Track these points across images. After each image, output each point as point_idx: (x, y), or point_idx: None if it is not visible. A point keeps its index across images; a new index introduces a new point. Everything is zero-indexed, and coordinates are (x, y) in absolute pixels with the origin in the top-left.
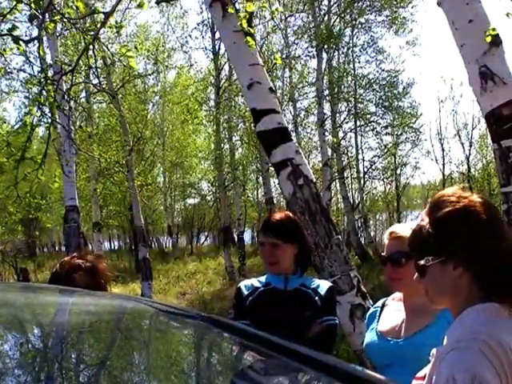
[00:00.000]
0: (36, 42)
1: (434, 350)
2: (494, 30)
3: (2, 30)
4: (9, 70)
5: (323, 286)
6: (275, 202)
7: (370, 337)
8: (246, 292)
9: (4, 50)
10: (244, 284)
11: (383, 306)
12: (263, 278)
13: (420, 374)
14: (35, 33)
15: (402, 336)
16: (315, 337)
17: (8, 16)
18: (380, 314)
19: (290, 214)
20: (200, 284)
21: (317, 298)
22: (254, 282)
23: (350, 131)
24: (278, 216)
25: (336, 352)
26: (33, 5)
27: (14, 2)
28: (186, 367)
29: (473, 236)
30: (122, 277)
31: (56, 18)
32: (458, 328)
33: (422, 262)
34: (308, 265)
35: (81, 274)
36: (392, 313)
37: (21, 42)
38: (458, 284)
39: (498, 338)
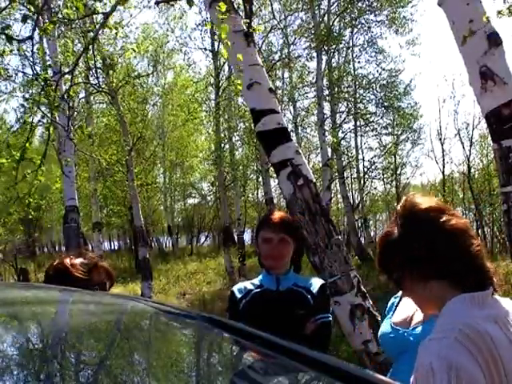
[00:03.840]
0: (29, 40)
1: (421, 343)
2: (487, 18)
3: None
4: (8, 74)
5: (315, 284)
6: (275, 202)
7: (383, 327)
8: (239, 295)
9: (3, 52)
10: (237, 287)
11: (402, 296)
12: (256, 281)
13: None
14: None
15: (410, 326)
16: (311, 334)
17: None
18: (397, 305)
19: (288, 215)
20: (200, 284)
21: (309, 296)
22: (247, 284)
23: (350, 131)
24: (281, 214)
25: (336, 352)
26: (27, 5)
27: (8, 2)
28: (186, 367)
29: (436, 247)
30: (122, 277)
31: (55, 19)
32: (441, 318)
33: (394, 276)
34: (299, 265)
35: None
36: (407, 304)
37: (14, 42)
38: (431, 291)
39: (476, 325)
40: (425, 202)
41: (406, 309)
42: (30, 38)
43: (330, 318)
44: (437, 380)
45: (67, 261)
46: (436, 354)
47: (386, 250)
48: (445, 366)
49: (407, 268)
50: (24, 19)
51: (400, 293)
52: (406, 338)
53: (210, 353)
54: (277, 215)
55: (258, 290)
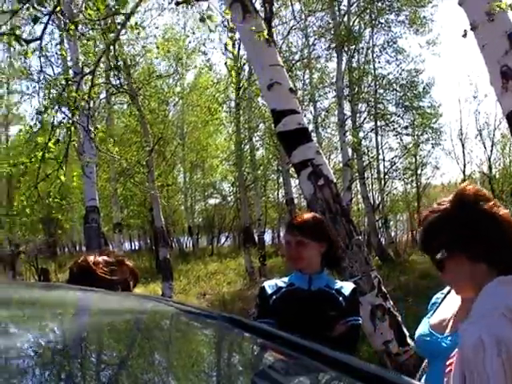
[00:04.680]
0: (40, 41)
1: (460, 327)
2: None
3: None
4: (29, 73)
5: (347, 287)
6: (295, 202)
7: (421, 327)
8: (269, 291)
9: (26, 53)
10: (268, 284)
11: (447, 293)
12: (287, 279)
13: (450, 356)
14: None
15: (446, 332)
16: (339, 336)
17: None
18: (440, 304)
19: (317, 215)
20: (220, 284)
21: (341, 298)
22: (278, 282)
23: (371, 131)
24: (304, 215)
25: (357, 353)
26: (37, 6)
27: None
28: (208, 368)
29: (489, 232)
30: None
31: (77, 19)
32: (480, 301)
33: (438, 256)
34: (335, 265)
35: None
36: (448, 305)
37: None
38: (475, 273)
39: None
40: (479, 190)
41: (444, 311)
42: (39, 39)
43: (360, 322)
44: (487, 354)
45: (91, 259)
46: (484, 330)
47: (433, 228)
48: (494, 341)
49: (453, 248)
50: (35, 20)
51: (446, 289)
52: (439, 343)
53: (232, 353)
54: (300, 218)
55: (289, 287)
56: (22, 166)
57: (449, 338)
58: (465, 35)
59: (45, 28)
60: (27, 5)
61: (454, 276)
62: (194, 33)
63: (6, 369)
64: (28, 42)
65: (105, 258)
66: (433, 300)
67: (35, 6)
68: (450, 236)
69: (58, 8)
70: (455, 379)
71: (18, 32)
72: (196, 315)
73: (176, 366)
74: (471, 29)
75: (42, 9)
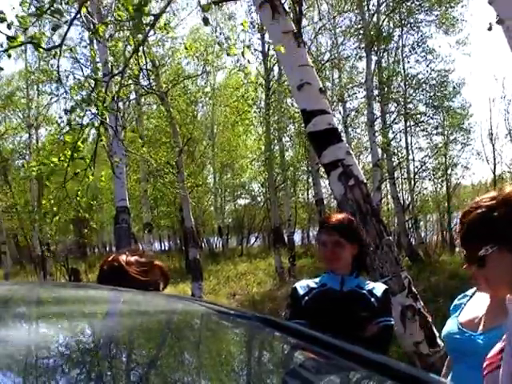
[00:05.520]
0: (58, 49)
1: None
2: None
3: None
4: (58, 77)
5: (379, 288)
6: (325, 202)
7: (449, 326)
8: (301, 292)
9: (56, 53)
10: (300, 284)
11: (473, 294)
12: (318, 279)
13: (491, 353)
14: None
15: (478, 330)
16: (372, 337)
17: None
18: (466, 303)
19: (349, 216)
20: (250, 285)
21: (373, 299)
22: (310, 282)
23: (400, 132)
24: (340, 216)
25: (387, 353)
26: (54, 16)
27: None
28: (242, 367)
29: None
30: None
31: (106, 21)
32: None
33: (481, 252)
34: (363, 267)
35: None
36: (477, 304)
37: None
38: None
39: None
40: None
41: (474, 310)
42: (59, 46)
43: (393, 322)
44: None
45: (123, 258)
46: None
47: (477, 224)
48: None
49: (498, 245)
50: (54, 29)
51: (470, 291)
52: (473, 340)
53: (266, 353)
54: (337, 218)
55: (322, 288)
56: (52, 164)
57: (483, 336)
58: (490, 28)
59: (64, 36)
60: (45, 14)
61: (495, 272)
62: (221, 33)
63: (39, 368)
64: (47, 50)
65: (137, 258)
66: (456, 302)
67: (54, 15)
68: (496, 233)
69: (81, 13)
70: (505, 377)
71: (38, 38)
72: (230, 316)
73: (211, 365)
74: (497, 22)
75: (62, 18)
